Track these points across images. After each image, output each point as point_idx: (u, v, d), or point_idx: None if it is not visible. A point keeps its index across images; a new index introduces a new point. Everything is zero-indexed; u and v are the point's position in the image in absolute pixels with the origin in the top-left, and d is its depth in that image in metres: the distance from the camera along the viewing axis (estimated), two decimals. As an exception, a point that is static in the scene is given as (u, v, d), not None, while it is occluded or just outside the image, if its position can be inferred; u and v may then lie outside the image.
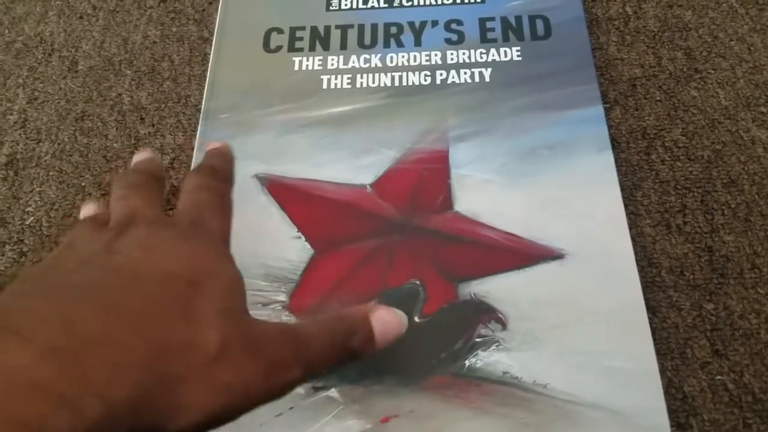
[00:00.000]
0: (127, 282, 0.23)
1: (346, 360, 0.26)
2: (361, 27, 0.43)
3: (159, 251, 0.25)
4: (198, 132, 0.39)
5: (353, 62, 0.41)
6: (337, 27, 0.43)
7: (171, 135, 0.41)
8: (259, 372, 0.23)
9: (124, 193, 0.29)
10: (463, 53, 0.41)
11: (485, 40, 0.42)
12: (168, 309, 0.22)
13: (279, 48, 0.42)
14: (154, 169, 0.32)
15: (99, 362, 0.20)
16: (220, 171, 0.31)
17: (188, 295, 0.23)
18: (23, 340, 0.19)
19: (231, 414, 0.23)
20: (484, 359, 0.32)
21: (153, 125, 0.42)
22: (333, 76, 0.41)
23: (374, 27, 0.43)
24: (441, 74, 0.41)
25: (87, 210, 0.32)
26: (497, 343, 0.32)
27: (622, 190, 0.36)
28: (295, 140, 0.39)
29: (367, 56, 0.42)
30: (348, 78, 0.41)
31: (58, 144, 0.42)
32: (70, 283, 0.23)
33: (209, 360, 0.22)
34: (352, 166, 0.37)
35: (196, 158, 0.38)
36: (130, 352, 0.20)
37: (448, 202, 0.36)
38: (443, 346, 0.32)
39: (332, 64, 0.41)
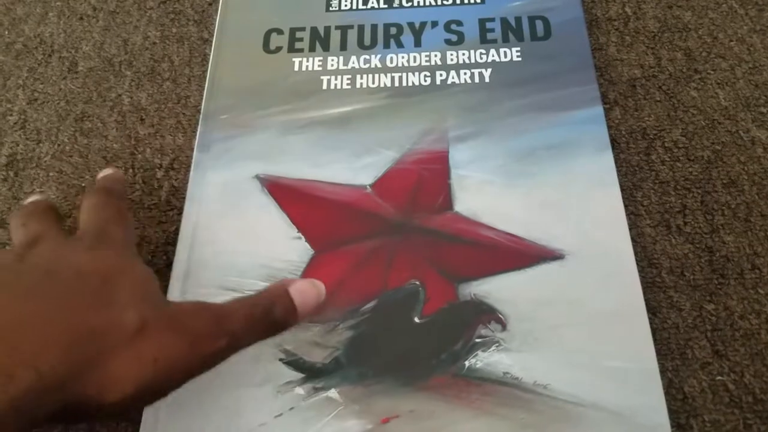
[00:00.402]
0: (43, 277, 0.25)
1: (271, 331, 0.28)
2: (361, 28, 0.43)
3: (69, 259, 0.26)
4: (198, 132, 0.39)
5: (353, 63, 0.41)
6: (336, 28, 0.43)
7: (171, 136, 0.41)
8: (183, 344, 0.25)
9: (23, 221, 0.31)
10: (463, 54, 0.41)
11: (485, 41, 0.42)
12: (85, 298, 0.24)
13: (279, 49, 0.42)
14: (42, 204, 0.33)
15: (25, 339, 0.22)
16: (114, 190, 0.34)
17: (103, 288, 0.25)
18: None
19: (162, 386, 0.24)
20: (484, 360, 0.32)
21: (153, 126, 0.42)
22: (333, 77, 0.41)
23: (374, 28, 0.43)
24: (441, 75, 0.41)
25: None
26: (497, 344, 0.32)
27: (622, 190, 0.36)
28: (294, 141, 0.39)
29: (367, 57, 0.42)
30: (348, 78, 0.41)
31: (58, 145, 0.42)
32: None
33: (131, 335, 0.24)
34: (351, 166, 0.37)
35: (196, 159, 0.38)
36: (53, 331, 0.22)
37: (447, 203, 0.36)
38: (443, 346, 0.32)
39: (332, 65, 0.41)
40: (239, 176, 0.37)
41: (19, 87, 0.44)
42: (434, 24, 0.43)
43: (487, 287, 0.33)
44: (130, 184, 0.40)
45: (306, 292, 0.29)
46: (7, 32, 0.47)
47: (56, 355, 0.22)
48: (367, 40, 0.42)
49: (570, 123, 0.38)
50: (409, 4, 0.44)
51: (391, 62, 0.41)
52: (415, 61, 0.41)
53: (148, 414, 0.31)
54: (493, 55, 0.41)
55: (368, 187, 0.37)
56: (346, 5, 0.44)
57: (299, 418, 0.30)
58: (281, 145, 0.38)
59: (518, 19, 0.42)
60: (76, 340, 0.23)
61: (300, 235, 0.35)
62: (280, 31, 0.43)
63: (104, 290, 0.25)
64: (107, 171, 0.36)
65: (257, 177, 0.37)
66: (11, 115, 0.43)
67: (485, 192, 0.36)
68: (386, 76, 0.41)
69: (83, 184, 0.40)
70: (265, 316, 0.27)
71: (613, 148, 0.38)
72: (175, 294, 0.34)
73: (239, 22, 0.44)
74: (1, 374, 0.20)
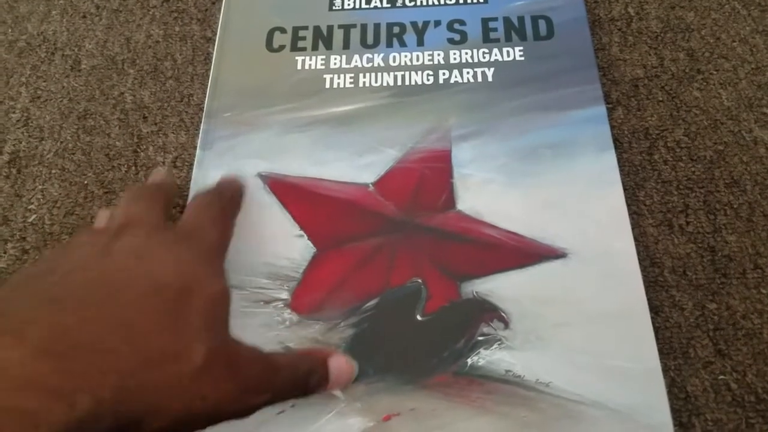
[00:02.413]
0: (119, 289, 0.24)
1: (300, 394, 0.28)
2: (364, 27, 0.43)
3: (151, 258, 0.25)
4: (201, 131, 0.39)
5: (356, 62, 0.42)
6: (339, 27, 0.43)
7: (174, 134, 0.41)
8: (234, 390, 0.24)
9: (126, 202, 0.30)
10: (466, 53, 0.41)
11: (488, 40, 0.42)
12: (157, 318, 0.23)
13: (282, 47, 0.43)
14: (164, 185, 0.33)
15: (88, 364, 0.21)
16: (227, 194, 0.33)
17: (177, 305, 0.24)
18: (18, 340, 0.20)
19: (195, 424, 0.24)
20: (486, 358, 0.31)
21: (156, 124, 0.42)
22: (336, 76, 0.41)
23: (377, 27, 0.43)
24: (443, 74, 0.41)
25: (100, 219, 0.34)
26: (499, 342, 0.32)
27: (625, 190, 0.36)
28: (297, 139, 0.39)
29: (370, 56, 0.42)
30: (350, 77, 0.41)
31: (61, 142, 0.42)
32: (64, 286, 0.24)
33: (193, 371, 0.23)
34: (354, 164, 0.37)
35: (199, 157, 0.38)
36: (120, 353, 0.22)
37: (450, 201, 0.36)
38: (445, 344, 0.32)
39: (335, 64, 0.42)
40: (242, 174, 0.37)
41: (23, 85, 0.45)
42: (437, 23, 0.43)
43: (490, 285, 0.33)
44: (132, 182, 0.40)
45: (342, 371, 0.30)
46: (10, 30, 0.47)
47: (118, 381, 0.21)
48: (370, 39, 0.42)
49: (572, 122, 0.38)
50: (412, 3, 0.44)
51: (394, 61, 0.41)
52: (417, 61, 0.41)
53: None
54: (495, 55, 0.41)
55: (371, 185, 0.37)
56: (349, 4, 0.44)
57: (301, 415, 0.30)
58: (284, 143, 0.38)
59: (521, 19, 0.42)
60: (140, 365, 0.22)
61: (302, 233, 0.35)
62: (283, 30, 0.43)
63: (177, 309, 0.24)
64: (228, 178, 0.35)
65: (260, 175, 0.37)
66: (14, 112, 0.43)
67: (488, 191, 0.36)
68: (389, 75, 0.41)
69: (85, 182, 0.40)
70: (302, 381, 0.28)
71: (616, 147, 0.38)
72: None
73: (242, 21, 0.44)
74: (61, 399, 0.20)
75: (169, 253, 0.26)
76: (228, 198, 0.33)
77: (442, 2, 0.44)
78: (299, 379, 0.27)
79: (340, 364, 0.29)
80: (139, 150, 0.41)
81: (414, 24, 0.43)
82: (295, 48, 0.42)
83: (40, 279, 0.24)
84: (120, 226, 0.27)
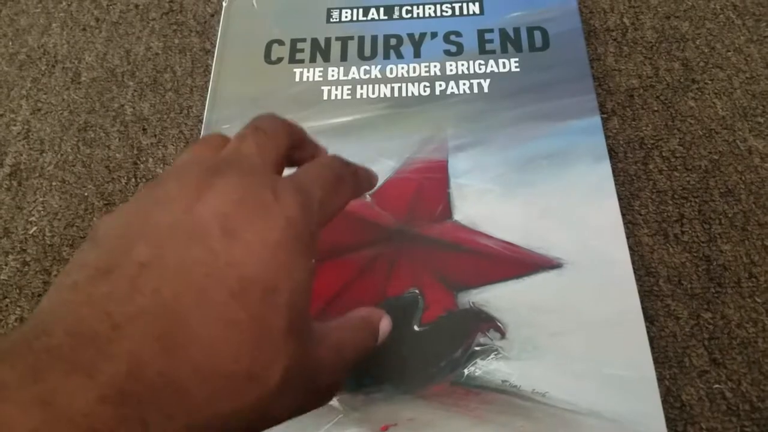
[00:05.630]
0: (200, 290, 0.20)
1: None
2: (361, 39, 0.43)
3: (240, 234, 0.21)
4: (200, 142, 0.40)
5: (353, 73, 0.42)
6: (337, 39, 0.43)
7: (173, 146, 0.42)
8: (306, 403, 0.23)
9: (244, 132, 0.26)
10: (462, 64, 0.42)
11: (484, 52, 0.42)
12: (237, 333, 0.20)
13: (280, 59, 0.43)
14: (297, 128, 0.29)
15: (157, 409, 0.18)
16: (361, 175, 0.30)
17: (261, 309, 0.21)
18: (88, 379, 0.18)
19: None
20: (483, 368, 0.32)
21: (155, 136, 0.42)
22: (333, 87, 0.41)
23: (374, 39, 0.43)
24: (440, 85, 0.41)
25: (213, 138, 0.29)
26: (496, 352, 0.32)
27: (620, 199, 0.36)
28: (295, 150, 0.39)
29: (367, 67, 0.42)
30: (348, 89, 0.41)
31: (61, 154, 0.42)
32: (142, 291, 0.20)
33: (267, 394, 0.20)
34: (352, 176, 0.38)
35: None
36: (187, 396, 0.19)
37: (447, 212, 0.36)
38: (442, 354, 0.32)
39: (333, 76, 0.42)
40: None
41: (23, 97, 0.45)
42: (434, 35, 0.43)
43: (486, 295, 0.34)
44: (132, 194, 0.40)
45: (386, 333, 0.27)
46: (11, 43, 0.48)
47: (185, 420, 0.19)
48: (367, 51, 0.43)
49: (568, 133, 0.38)
50: (409, 15, 0.44)
51: (391, 73, 0.42)
52: (414, 72, 0.42)
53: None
54: (491, 66, 0.41)
55: (368, 195, 0.37)
56: (346, 17, 0.45)
57: (299, 425, 0.30)
58: (282, 154, 0.39)
59: (517, 30, 0.43)
60: (211, 397, 0.19)
61: (300, 243, 0.36)
62: (281, 42, 0.44)
63: (261, 315, 0.20)
64: (368, 168, 0.31)
65: (258, 186, 0.38)
66: (15, 125, 0.44)
67: (484, 201, 0.36)
68: (386, 87, 0.41)
69: (86, 194, 0.40)
70: (361, 360, 0.26)
71: (611, 157, 0.38)
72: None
73: (241, 33, 0.44)
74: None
75: (261, 224, 0.22)
76: (359, 180, 0.29)
77: (438, 14, 0.44)
78: (359, 360, 0.25)
79: (388, 328, 0.27)
80: (138, 162, 0.41)
81: (411, 36, 0.43)
82: (293, 60, 0.43)
83: (124, 263, 0.20)
84: (223, 162, 0.24)
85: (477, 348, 0.32)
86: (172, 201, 0.22)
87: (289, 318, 0.21)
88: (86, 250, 0.21)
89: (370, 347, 0.26)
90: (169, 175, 0.24)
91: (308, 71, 0.42)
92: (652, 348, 0.32)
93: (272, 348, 0.20)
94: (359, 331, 0.26)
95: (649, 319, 0.34)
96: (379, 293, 0.34)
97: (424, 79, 0.41)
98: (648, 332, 0.32)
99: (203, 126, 0.40)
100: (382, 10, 0.45)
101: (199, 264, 0.20)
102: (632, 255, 0.35)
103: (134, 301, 0.19)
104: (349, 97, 0.41)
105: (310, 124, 0.40)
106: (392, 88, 0.41)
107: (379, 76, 0.42)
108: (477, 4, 0.44)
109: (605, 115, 0.41)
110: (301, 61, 0.43)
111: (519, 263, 0.34)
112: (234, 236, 0.21)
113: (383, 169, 0.38)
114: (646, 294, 0.35)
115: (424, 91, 0.41)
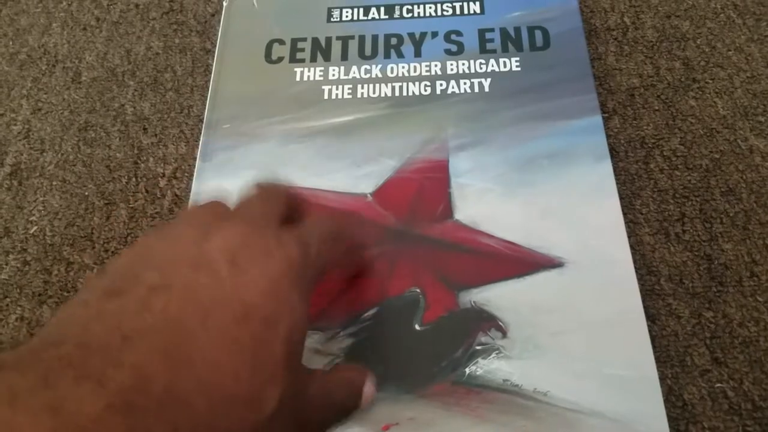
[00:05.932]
0: (207, 311, 0.21)
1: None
2: (362, 38, 0.43)
3: (245, 266, 0.23)
4: (200, 142, 0.40)
5: (354, 73, 0.42)
6: (338, 38, 0.43)
7: (174, 145, 0.42)
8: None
9: (249, 191, 0.29)
10: (463, 64, 0.42)
11: (484, 51, 0.42)
12: (239, 356, 0.21)
13: (281, 59, 0.43)
14: (292, 192, 0.31)
15: (163, 421, 0.19)
16: (357, 239, 0.32)
17: (262, 336, 0.22)
18: (98, 386, 0.18)
19: None
20: (484, 367, 0.32)
21: (156, 135, 0.42)
22: (334, 87, 0.41)
23: (375, 38, 0.43)
24: (441, 84, 0.41)
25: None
26: (497, 351, 0.32)
27: (621, 199, 0.36)
28: (296, 150, 0.39)
29: (368, 67, 0.42)
30: (349, 88, 0.41)
31: (62, 154, 0.42)
32: (152, 309, 0.21)
33: (260, 420, 0.21)
34: (352, 175, 0.38)
35: (199, 168, 0.38)
36: (191, 410, 0.20)
37: (448, 211, 0.36)
38: (443, 353, 0.32)
39: (333, 75, 0.42)
40: (241, 185, 0.38)
41: (24, 97, 0.45)
42: (434, 34, 0.43)
43: (487, 295, 0.34)
44: (132, 193, 0.40)
45: (369, 399, 0.29)
46: (11, 43, 0.48)
47: (199, 422, 0.19)
48: (367, 51, 0.43)
49: (569, 132, 0.38)
50: (410, 14, 0.44)
51: (392, 72, 0.42)
52: (415, 71, 0.42)
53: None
54: (492, 65, 0.41)
55: (369, 195, 0.37)
56: (347, 16, 0.45)
57: (300, 425, 0.31)
58: (283, 154, 0.39)
59: (517, 30, 0.43)
60: (209, 416, 0.20)
61: (301, 243, 0.36)
62: (281, 42, 0.44)
63: (261, 341, 0.22)
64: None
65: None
66: (15, 124, 0.44)
67: (485, 200, 0.36)
68: (387, 86, 0.41)
69: (86, 194, 0.40)
70: (344, 417, 0.28)
71: (612, 156, 0.38)
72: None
73: (241, 33, 0.44)
74: None
75: (265, 260, 0.23)
76: (355, 244, 0.32)
77: (439, 13, 0.44)
78: (342, 417, 0.28)
79: (370, 393, 0.29)
80: (139, 161, 0.41)
81: (411, 35, 0.43)
82: (293, 59, 0.43)
83: (134, 287, 0.22)
84: (228, 213, 0.26)
85: (478, 347, 0.32)
86: (181, 238, 0.24)
87: (286, 348, 0.22)
88: (96, 279, 0.23)
89: (351, 409, 0.28)
90: (178, 219, 0.26)
91: (309, 71, 0.42)
92: (654, 347, 0.32)
93: (269, 373, 0.22)
94: (343, 388, 0.28)
95: (651, 318, 0.34)
96: (380, 293, 0.34)
97: (425, 78, 0.41)
98: (649, 331, 0.32)
99: (204, 125, 0.40)
100: (382, 9, 0.45)
101: (205, 288, 0.22)
102: (633, 254, 0.35)
103: (143, 318, 0.20)
104: (350, 96, 0.41)
105: (311, 124, 0.40)
106: (393, 88, 0.41)
107: (379, 75, 0.42)
108: (478, 3, 0.44)
109: (606, 115, 0.41)
110: (302, 61, 0.43)
111: (520, 262, 0.34)
112: (239, 268, 0.23)
113: (384, 168, 0.38)
114: (647, 293, 0.35)
115: (425, 90, 0.41)
